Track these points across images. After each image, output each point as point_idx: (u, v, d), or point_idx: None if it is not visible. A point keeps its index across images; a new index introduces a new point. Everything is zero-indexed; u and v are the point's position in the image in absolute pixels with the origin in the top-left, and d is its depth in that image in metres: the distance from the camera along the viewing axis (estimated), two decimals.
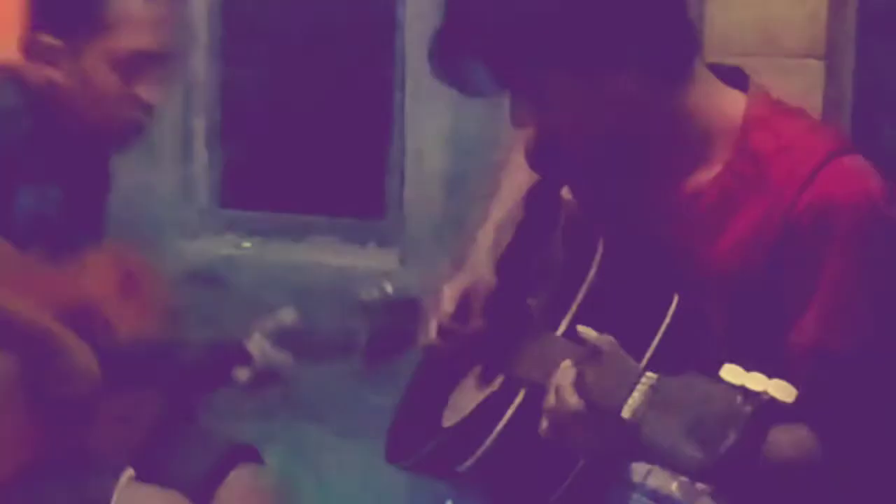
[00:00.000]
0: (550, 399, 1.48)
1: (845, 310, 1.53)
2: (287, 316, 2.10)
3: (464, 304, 1.79)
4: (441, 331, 1.78)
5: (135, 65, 1.99)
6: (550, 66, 1.54)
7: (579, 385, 1.44)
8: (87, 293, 2.00)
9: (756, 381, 1.22)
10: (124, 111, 2.03)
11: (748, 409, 1.20)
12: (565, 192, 1.86)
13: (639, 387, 1.34)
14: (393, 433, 1.91)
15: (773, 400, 1.21)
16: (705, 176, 1.60)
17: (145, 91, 2.02)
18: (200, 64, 3.43)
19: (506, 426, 1.61)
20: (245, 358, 2.06)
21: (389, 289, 2.12)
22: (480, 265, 1.83)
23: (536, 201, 1.89)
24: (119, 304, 2.03)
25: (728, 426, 1.19)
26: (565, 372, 1.47)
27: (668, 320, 1.55)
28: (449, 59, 1.57)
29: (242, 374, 2.06)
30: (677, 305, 1.56)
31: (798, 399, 1.39)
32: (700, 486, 1.45)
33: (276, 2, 3.46)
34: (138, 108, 2.04)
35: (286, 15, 3.39)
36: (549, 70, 1.54)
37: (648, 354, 1.48)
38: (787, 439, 1.52)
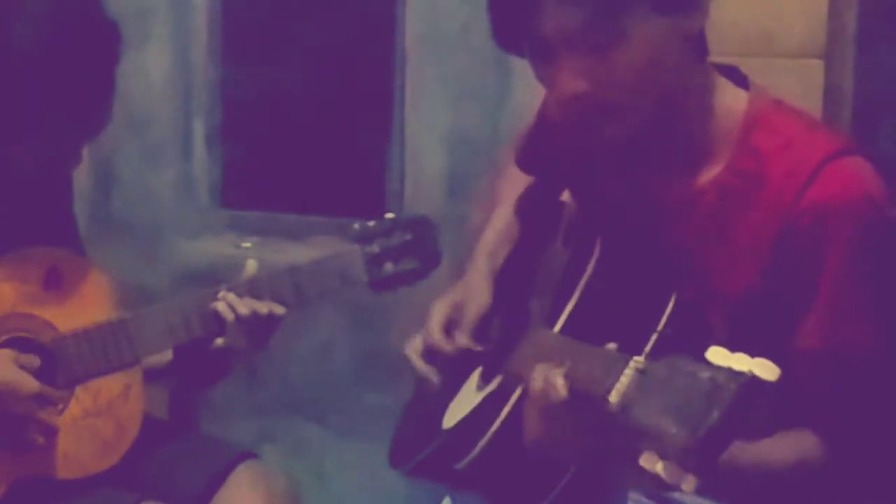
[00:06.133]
0: (537, 390, 1.47)
1: (848, 313, 1.53)
2: (250, 268, 2.04)
3: (451, 321, 1.79)
4: (427, 349, 1.78)
5: None
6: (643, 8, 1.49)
7: (569, 377, 1.44)
8: (8, 299, 1.98)
9: (740, 362, 1.23)
10: None
11: (732, 387, 1.20)
12: (565, 194, 1.86)
13: (626, 371, 1.34)
14: (397, 438, 1.91)
15: (756, 379, 1.21)
16: (706, 175, 1.60)
17: None
18: (200, 64, 3.43)
19: (503, 423, 1.62)
20: (219, 326, 2.00)
21: (391, 215, 2.10)
22: (476, 275, 1.83)
23: (537, 205, 1.89)
24: (50, 300, 2.00)
25: (711, 405, 1.19)
26: (556, 367, 1.47)
27: (665, 319, 1.55)
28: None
29: (220, 341, 2.00)
30: (675, 304, 1.57)
31: (802, 402, 1.39)
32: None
33: (276, 2, 3.46)
34: None
35: (286, 15, 3.39)
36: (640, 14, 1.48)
37: (646, 352, 1.48)
38: (792, 444, 1.52)
